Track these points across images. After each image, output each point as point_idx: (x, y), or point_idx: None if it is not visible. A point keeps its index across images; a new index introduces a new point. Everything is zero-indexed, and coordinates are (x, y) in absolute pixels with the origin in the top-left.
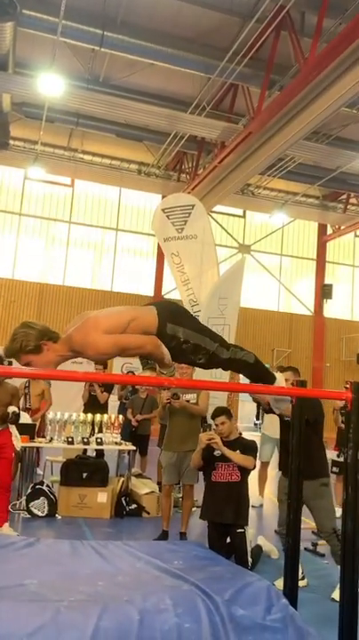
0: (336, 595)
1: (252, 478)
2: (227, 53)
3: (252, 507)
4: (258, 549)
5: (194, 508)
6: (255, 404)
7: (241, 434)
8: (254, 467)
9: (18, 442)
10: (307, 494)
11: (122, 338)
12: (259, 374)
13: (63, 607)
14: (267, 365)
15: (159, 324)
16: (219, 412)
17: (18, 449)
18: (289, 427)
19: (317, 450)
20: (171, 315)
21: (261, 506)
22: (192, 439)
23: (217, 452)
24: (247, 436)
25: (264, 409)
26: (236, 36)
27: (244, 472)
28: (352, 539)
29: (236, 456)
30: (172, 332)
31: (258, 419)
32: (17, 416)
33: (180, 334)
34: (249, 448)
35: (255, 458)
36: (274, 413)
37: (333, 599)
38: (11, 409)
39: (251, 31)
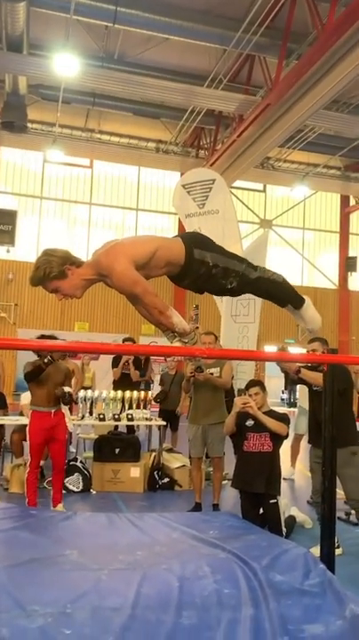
0: None
1: (285, 451)
2: (243, 24)
3: (284, 479)
4: (291, 520)
5: (224, 481)
6: (282, 379)
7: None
8: (287, 435)
9: (70, 422)
10: (337, 462)
11: (144, 283)
12: (289, 295)
13: (104, 575)
14: (292, 340)
15: (186, 250)
16: (254, 383)
17: (70, 430)
18: (319, 396)
19: (347, 418)
20: (198, 241)
21: (293, 479)
22: (216, 412)
23: (249, 422)
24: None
25: (291, 379)
26: (251, 4)
27: (277, 442)
28: None
29: (270, 421)
30: (201, 257)
31: (285, 389)
32: (70, 396)
33: (209, 259)
34: (281, 419)
35: (288, 427)
36: (301, 383)
37: None
38: (66, 389)
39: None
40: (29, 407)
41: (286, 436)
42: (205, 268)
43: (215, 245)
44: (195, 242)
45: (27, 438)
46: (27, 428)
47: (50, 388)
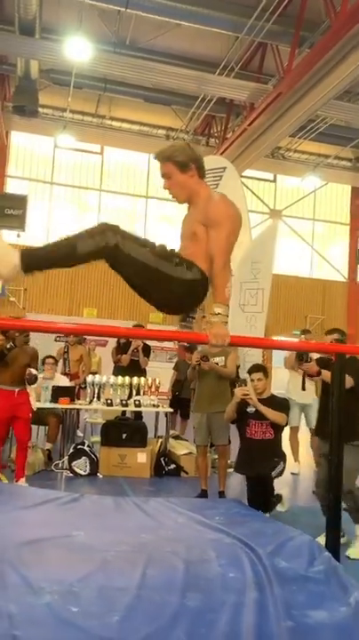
0: (350, 552)
1: (285, 447)
2: (256, 11)
3: (292, 473)
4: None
5: (230, 469)
6: (289, 372)
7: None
8: (286, 423)
9: (35, 402)
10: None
11: (229, 236)
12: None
13: (110, 556)
14: (297, 332)
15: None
16: (257, 368)
17: (34, 409)
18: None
19: (354, 413)
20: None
21: (297, 472)
22: (220, 400)
23: (250, 409)
24: None
25: (308, 374)
26: None
27: (277, 429)
28: None
29: (269, 412)
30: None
31: (303, 389)
32: (36, 378)
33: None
34: (281, 406)
35: (287, 415)
36: (312, 377)
37: (347, 556)
38: (33, 371)
39: None
40: None
41: (285, 424)
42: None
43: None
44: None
45: None
46: None
47: (15, 369)
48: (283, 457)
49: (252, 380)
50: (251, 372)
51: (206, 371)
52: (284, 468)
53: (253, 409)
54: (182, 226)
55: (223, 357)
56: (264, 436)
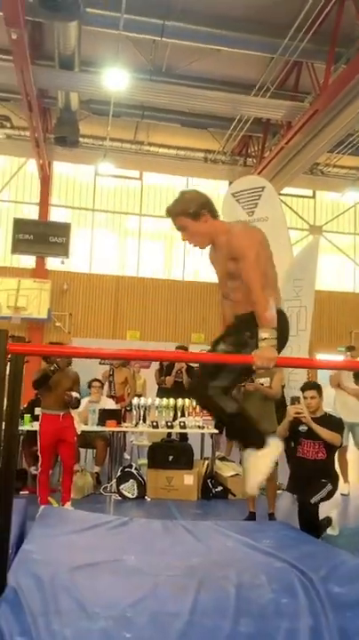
0: None
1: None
2: (290, 30)
3: (342, 494)
4: (327, 521)
5: (279, 491)
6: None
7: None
8: (341, 444)
9: (79, 426)
10: None
11: (258, 267)
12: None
13: (161, 581)
14: (342, 348)
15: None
16: (311, 385)
17: (79, 433)
18: None
19: None
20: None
21: (347, 494)
22: (266, 421)
23: (302, 428)
24: None
25: None
26: (298, 11)
27: (331, 450)
28: None
29: (323, 431)
30: (255, 329)
31: None
32: (78, 401)
33: (253, 338)
34: (336, 425)
35: (342, 435)
36: None
37: None
38: (74, 394)
39: (314, 4)
40: (40, 410)
41: (340, 445)
42: (247, 336)
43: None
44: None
45: (38, 440)
46: (38, 431)
47: (59, 393)
48: (335, 478)
49: (306, 398)
50: (304, 389)
51: (251, 392)
52: (336, 489)
53: (306, 428)
54: (214, 266)
55: (268, 378)
56: (316, 456)
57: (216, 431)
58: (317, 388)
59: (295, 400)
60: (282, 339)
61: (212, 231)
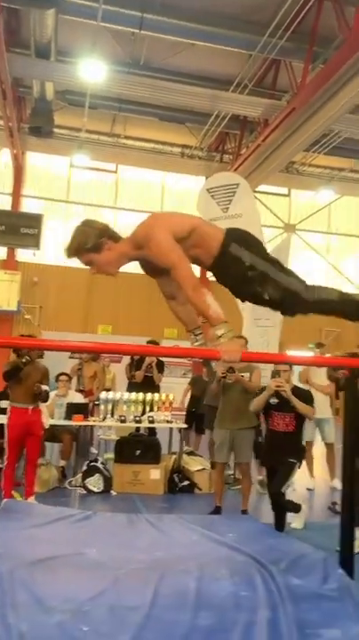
0: None
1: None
2: (269, 28)
3: (307, 489)
4: (294, 504)
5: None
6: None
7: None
8: (313, 416)
9: (47, 420)
10: None
11: (181, 253)
12: (351, 310)
13: (122, 574)
14: (312, 345)
15: (224, 240)
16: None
17: (46, 427)
18: None
19: None
20: (240, 237)
21: (313, 488)
22: (245, 417)
23: (273, 401)
24: None
25: (339, 384)
26: (278, 9)
27: (300, 422)
28: None
29: (299, 404)
30: (236, 254)
31: (336, 398)
32: (47, 394)
33: (246, 257)
34: (306, 398)
35: (312, 407)
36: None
37: None
38: (43, 387)
39: (293, 3)
40: (9, 403)
41: (312, 417)
42: (240, 267)
43: (262, 249)
44: (236, 236)
45: (5, 434)
46: (6, 424)
47: (28, 386)
48: (301, 452)
49: (278, 372)
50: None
51: (231, 385)
52: (301, 464)
53: (276, 400)
54: (151, 275)
55: (248, 373)
56: (287, 428)
57: (184, 426)
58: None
59: (276, 374)
60: (254, 242)
61: (119, 254)
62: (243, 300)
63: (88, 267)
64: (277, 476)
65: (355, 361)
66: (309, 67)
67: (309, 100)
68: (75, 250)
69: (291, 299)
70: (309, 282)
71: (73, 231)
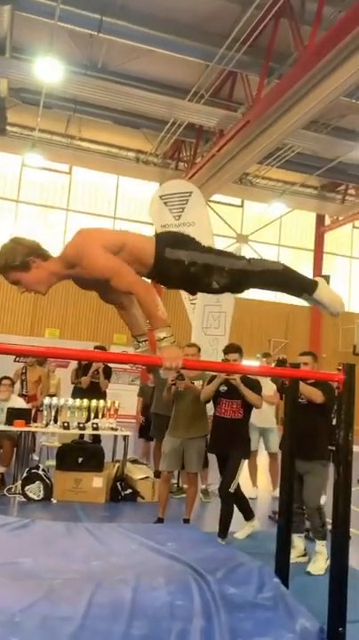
0: (311, 568)
1: (244, 471)
2: (227, 40)
3: (250, 498)
4: (243, 498)
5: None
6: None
7: None
8: (261, 405)
9: None
10: (305, 470)
11: (118, 260)
12: (295, 283)
13: (57, 584)
14: (258, 355)
15: (157, 249)
16: (233, 348)
17: None
18: (302, 409)
19: (323, 432)
20: (171, 239)
21: (255, 497)
22: (197, 425)
23: (222, 388)
24: None
25: (283, 387)
26: (236, 22)
27: (247, 410)
28: (343, 516)
29: (249, 394)
30: (174, 257)
31: (281, 399)
32: None
33: (184, 257)
34: (253, 386)
35: (260, 395)
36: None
37: (308, 572)
38: None
39: (251, 18)
40: None
41: (260, 407)
42: (182, 267)
43: (194, 243)
44: (168, 240)
45: None
46: None
47: None
48: (247, 442)
49: (228, 361)
50: (226, 352)
51: (183, 393)
52: (248, 455)
53: (225, 388)
54: (90, 289)
55: (201, 381)
56: (234, 415)
57: (128, 433)
58: (239, 351)
59: (224, 361)
60: (185, 239)
61: (48, 273)
62: (193, 294)
63: (15, 286)
64: (225, 475)
65: (297, 371)
66: (265, 81)
67: (264, 113)
68: (2, 268)
69: (239, 277)
70: (249, 256)
71: (1, 248)
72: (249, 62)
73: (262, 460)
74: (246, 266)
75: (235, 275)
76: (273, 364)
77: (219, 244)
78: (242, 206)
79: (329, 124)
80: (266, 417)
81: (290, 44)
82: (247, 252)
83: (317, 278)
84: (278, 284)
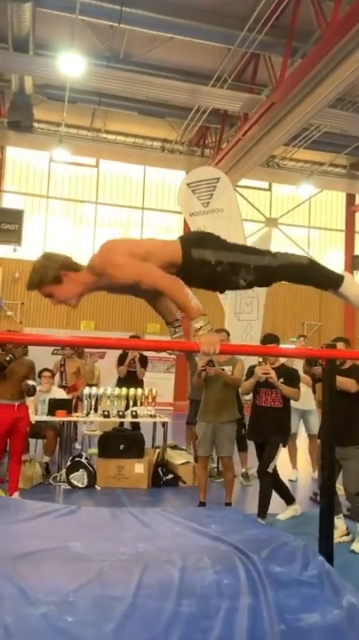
0: (355, 547)
1: (284, 454)
2: (247, 22)
3: (289, 480)
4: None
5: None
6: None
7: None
8: (298, 398)
9: (34, 415)
10: (343, 455)
11: (140, 262)
12: (321, 277)
13: (106, 567)
14: (294, 339)
15: (183, 251)
16: (271, 339)
17: (33, 422)
18: (339, 396)
19: (358, 418)
20: (195, 240)
21: (295, 479)
22: (227, 410)
23: (260, 378)
24: None
25: (316, 379)
26: (256, 3)
27: (287, 399)
28: None
29: (285, 388)
30: (201, 257)
31: (314, 392)
32: (35, 389)
33: (210, 257)
34: (292, 376)
35: (298, 386)
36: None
37: (353, 551)
38: (30, 382)
39: None
40: None
41: (298, 399)
42: (209, 267)
43: (219, 242)
44: (193, 241)
45: None
46: None
47: (14, 381)
48: (287, 429)
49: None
50: (264, 342)
51: (213, 378)
52: (287, 441)
53: (264, 377)
54: (122, 292)
55: (231, 367)
56: (274, 403)
57: (167, 420)
58: (277, 340)
59: (263, 361)
60: (209, 238)
61: (79, 285)
62: (222, 292)
63: (48, 299)
64: (263, 458)
65: (333, 352)
66: (288, 61)
67: (288, 94)
68: (36, 285)
69: (265, 272)
70: (274, 250)
71: (34, 265)
72: (271, 43)
73: (302, 442)
74: (271, 261)
75: (261, 271)
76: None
77: (249, 229)
78: (270, 190)
79: (355, 102)
80: (305, 399)
81: (312, 22)
82: (277, 235)
83: (344, 273)
84: (304, 278)
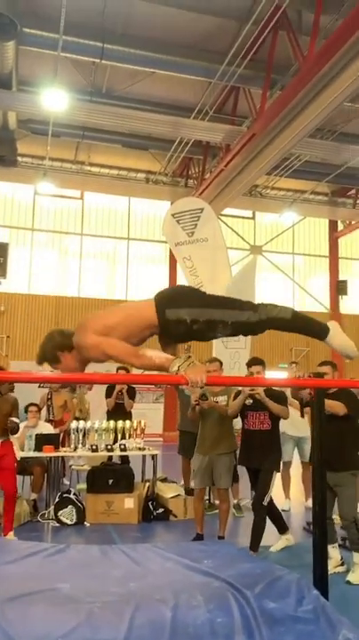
0: (351, 577)
1: (276, 483)
2: (227, 57)
3: (282, 510)
4: (277, 511)
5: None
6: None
7: None
8: (288, 416)
9: (19, 452)
10: (337, 482)
11: (105, 342)
12: (306, 329)
13: (96, 608)
14: (284, 365)
15: (158, 313)
16: (257, 361)
17: (18, 459)
18: (328, 421)
19: (349, 442)
20: (169, 299)
21: (288, 509)
22: (224, 441)
23: (248, 402)
24: None
25: (303, 403)
26: (235, 38)
27: (275, 420)
28: None
29: (274, 406)
30: (175, 317)
31: (301, 416)
32: (17, 426)
33: (185, 315)
34: (279, 398)
35: (286, 406)
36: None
37: (348, 582)
38: (15, 420)
39: (249, 33)
40: None
41: (287, 418)
42: (183, 326)
43: (195, 298)
44: (166, 301)
45: None
46: None
47: None
48: (277, 452)
49: (252, 374)
50: (250, 365)
51: (208, 411)
52: (279, 467)
53: (251, 401)
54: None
55: (225, 396)
56: (262, 426)
57: (157, 452)
58: (262, 364)
59: (249, 375)
60: (184, 294)
61: (74, 362)
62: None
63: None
64: (258, 488)
65: (320, 381)
66: (267, 93)
67: (269, 125)
68: (42, 361)
69: (244, 327)
70: (259, 301)
71: (41, 343)
72: (250, 76)
73: (295, 469)
74: (251, 317)
75: (240, 326)
76: (293, 365)
77: (234, 257)
78: (253, 218)
79: (334, 130)
80: (300, 426)
81: (289, 55)
82: (262, 262)
83: (330, 323)
84: (289, 330)
